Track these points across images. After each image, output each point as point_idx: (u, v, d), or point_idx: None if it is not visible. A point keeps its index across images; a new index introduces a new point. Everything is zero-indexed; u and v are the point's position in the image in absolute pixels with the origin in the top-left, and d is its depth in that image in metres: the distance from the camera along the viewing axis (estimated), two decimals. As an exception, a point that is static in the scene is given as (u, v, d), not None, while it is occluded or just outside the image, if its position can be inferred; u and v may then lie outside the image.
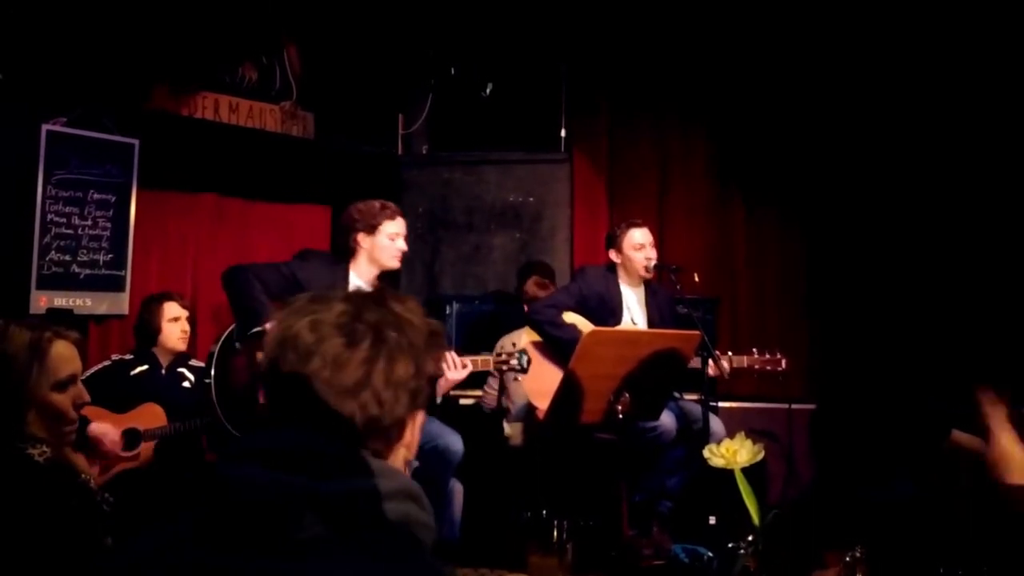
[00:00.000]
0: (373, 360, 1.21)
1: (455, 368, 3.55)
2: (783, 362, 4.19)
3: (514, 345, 3.92)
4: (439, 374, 1.32)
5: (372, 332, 1.22)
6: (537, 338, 4.16)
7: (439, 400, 3.66)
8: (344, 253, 3.76)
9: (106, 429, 3.65)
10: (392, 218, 3.71)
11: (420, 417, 1.30)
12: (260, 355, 3.62)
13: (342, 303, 1.24)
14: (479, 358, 3.71)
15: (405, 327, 1.25)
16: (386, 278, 3.91)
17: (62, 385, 1.90)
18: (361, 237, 3.69)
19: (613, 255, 4.34)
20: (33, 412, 1.85)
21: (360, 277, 3.76)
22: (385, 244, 3.69)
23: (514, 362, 3.69)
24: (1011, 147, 5.06)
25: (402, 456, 1.28)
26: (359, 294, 1.28)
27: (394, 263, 3.75)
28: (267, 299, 3.54)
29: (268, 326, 3.55)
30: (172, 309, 4.08)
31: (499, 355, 3.74)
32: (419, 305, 1.31)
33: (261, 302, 3.51)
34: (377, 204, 3.73)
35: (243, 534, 1.12)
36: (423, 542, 1.18)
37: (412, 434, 1.29)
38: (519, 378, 3.92)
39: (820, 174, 5.69)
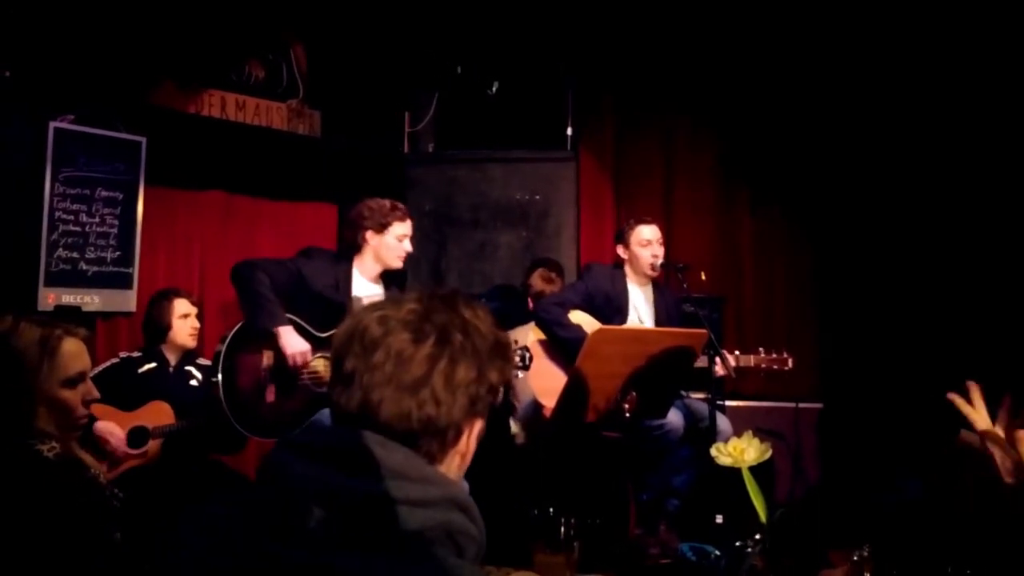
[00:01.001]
0: (436, 359, 1.22)
1: None
2: (790, 362, 4.19)
3: (516, 342, 3.92)
4: (502, 385, 1.31)
5: (438, 332, 1.24)
6: (542, 336, 4.17)
7: None
8: (350, 249, 3.78)
9: (112, 427, 3.66)
10: (402, 220, 3.76)
11: (478, 426, 1.29)
12: (267, 354, 3.64)
13: (414, 303, 1.27)
14: None
15: (472, 332, 1.27)
16: (391, 276, 3.92)
17: (72, 382, 1.91)
18: (370, 235, 3.73)
19: (621, 251, 4.34)
20: (43, 408, 1.86)
21: (363, 274, 3.78)
22: (392, 244, 3.73)
23: (515, 359, 3.70)
24: (1016, 146, 5.04)
25: (456, 464, 1.28)
26: (431, 295, 1.29)
27: (398, 263, 3.78)
28: (275, 295, 3.56)
29: (279, 328, 3.56)
30: (182, 306, 4.08)
31: None
32: (489, 314, 1.32)
33: (270, 298, 3.53)
34: (388, 203, 3.77)
35: (285, 524, 1.13)
36: (463, 551, 1.18)
37: (468, 443, 1.29)
38: (520, 375, 3.92)
39: (827, 173, 5.67)
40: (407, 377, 1.21)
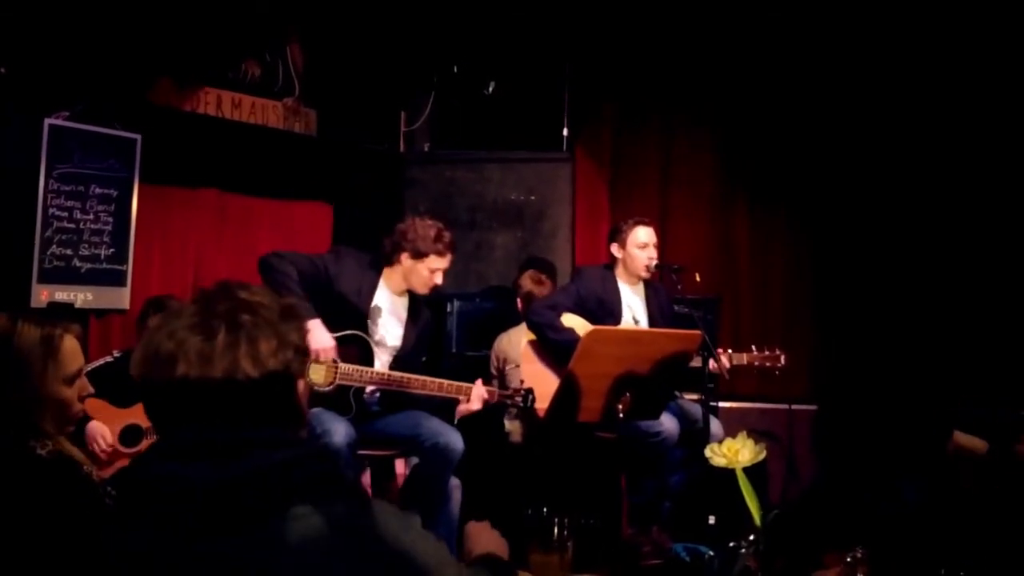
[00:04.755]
0: (235, 345, 1.26)
1: (473, 401, 3.59)
2: (782, 358, 4.19)
3: (522, 382, 3.90)
4: (306, 345, 1.37)
5: (226, 320, 1.27)
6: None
7: (455, 421, 3.67)
8: (383, 258, 3.77)
9: (103, 430, 3.64)
10: (442, 255, 3.72)
11: (301, 386, 1.35)
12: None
13: (191, 306, 1.30)
14: (495, 391, 3.72)
15: (256, 308, 1.30)
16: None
17: (71, 379, 1.92)
18: (405, 257, 3.71)
19: (615, 249, 4.32)
20: (45, 406, 1.86)
21: (389, 286, 3.77)
22: (423, 274, 3.72)
23: (519, 399, 3.69)
24: (1015, 146, 5.06)
25: None
26: (205, 292, 1.33)
27: (423, 291, 3.78)
28: (302, 289, 3.52)
29: (309, 323, 3.52)
30: None
31: (506, 391, 3.75)
32: (264, 288, 1.38)
33: (297, 292, 3.49)
34: (434, 232, 3.72)
35: (224, 520, 1.20)
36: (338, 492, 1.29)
37: (301, 404, 1.36)
38: (523, 380, 3.92)
39: (823, 173, 5.68)
40: (216, 373, 1.24)
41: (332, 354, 3.53)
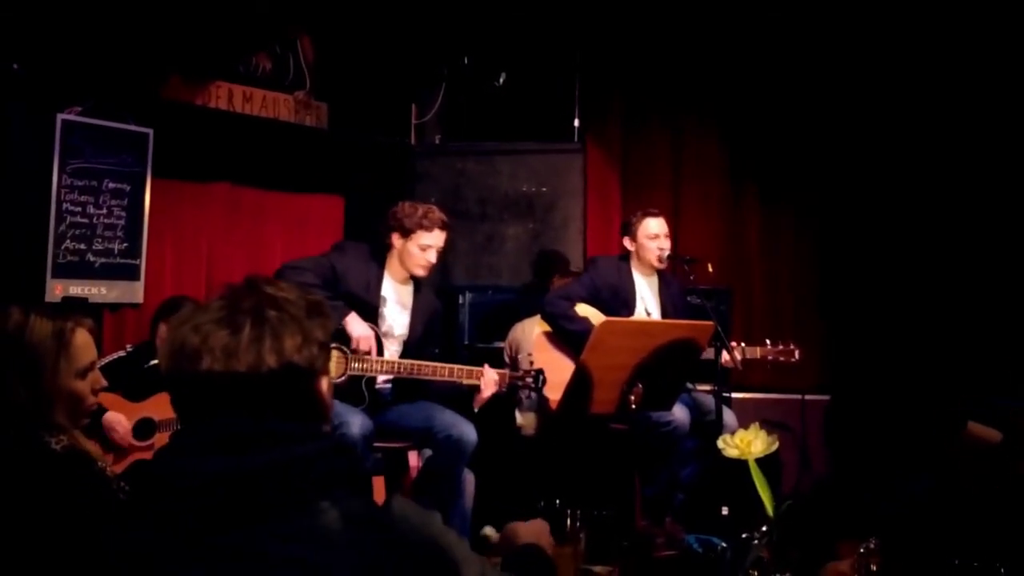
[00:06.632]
0: (260, 340, 1.26)
1: (486, 386, 3.58)
2: (796, 353, 4.18)
3: (531, 362, 3.90)
4: (330, 341, 1.38)
5: (251, 315, 1.28)
6: (548, 328, 4.16)
7: (476, 410, 3.67)
8: (382, 247, 3.77)
9: (119, 418, 3.68)
10: (429, 230, 3.70)
11: (325, 382, 1.35)
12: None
13: (218, 301, 1.31)
14: (506, 373, 3.72)
15: (282, 304, 1.31)
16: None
17: (84, 373, 1.92)
18: (395, 237, 3.71)
19: (627, 243, 4.33)
20: (58, 400, 1.87)
21: (393, 276, 3.77)
22: (414, 252, 3.70)
23: (530, 380, 3.68)
24: (1020, 139, 5.03)
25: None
26: (231, 288, 1.34)
27: (419, 272, 3.75)
28: (324, 291, 3.53)
29: (347, 319, 3.53)
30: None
31: (516, 372, 3.75)
32: (292, 285, 1.38)
33: (326, 295, 3.50)
34: (421, 210, 3.72)
35: (245, 513, 1.20)
36: (354, 488, 1.30)
37: (324, 400, 1.36)
38: (533, 396, 3.93)
39: (835, 166, 5.65)
40: (241, 367, 1.25)
41: (371, 343, 3.55)
